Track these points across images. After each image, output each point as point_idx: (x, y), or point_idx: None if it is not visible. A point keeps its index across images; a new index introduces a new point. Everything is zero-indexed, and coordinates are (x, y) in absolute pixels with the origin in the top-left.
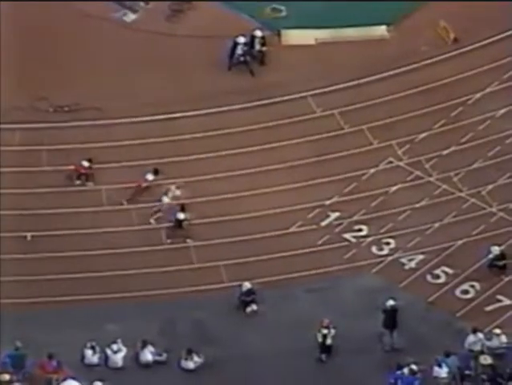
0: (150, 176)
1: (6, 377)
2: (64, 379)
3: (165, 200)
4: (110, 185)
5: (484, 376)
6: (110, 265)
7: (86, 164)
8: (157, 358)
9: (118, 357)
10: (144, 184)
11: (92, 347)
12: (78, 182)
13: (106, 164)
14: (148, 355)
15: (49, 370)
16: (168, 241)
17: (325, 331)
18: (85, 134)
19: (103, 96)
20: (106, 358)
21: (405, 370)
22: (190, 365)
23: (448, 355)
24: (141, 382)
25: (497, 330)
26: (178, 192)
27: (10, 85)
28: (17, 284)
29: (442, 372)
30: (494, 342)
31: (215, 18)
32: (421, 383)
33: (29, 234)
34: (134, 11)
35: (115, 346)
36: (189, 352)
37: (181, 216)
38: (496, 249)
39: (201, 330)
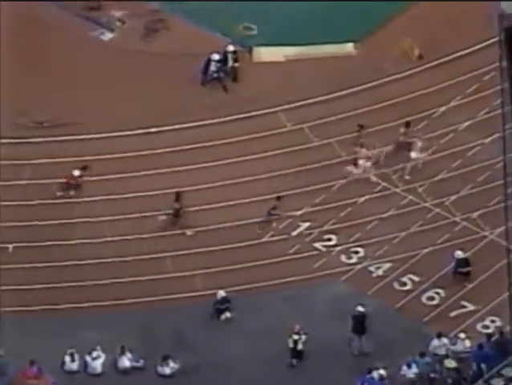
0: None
1: None
2: None
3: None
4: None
5: (449, 379)
6: (89, 274)
7: (77, 172)
8: (135, 364)
9: (97, 363)
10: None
11: (71, 354)
12: (60, 194)
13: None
14: (125, 362)
15: (30, 377)
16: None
17: (296, 337)
18: (64, 148)
19: (82, 111)
20: (85, 365)
21: (374, 374)
22: (166, 371)
23: (423, 356)
24: None
25: (462, 335)
26: None
27: None
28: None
29: (410, 372)
30: (459, 347)
31: (189, 37)
32: None
33: (10, 246)
34: (111, 30)
35: (94, 353)
36: (165, 358)
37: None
38: (459, 254)
39: (177, 337)
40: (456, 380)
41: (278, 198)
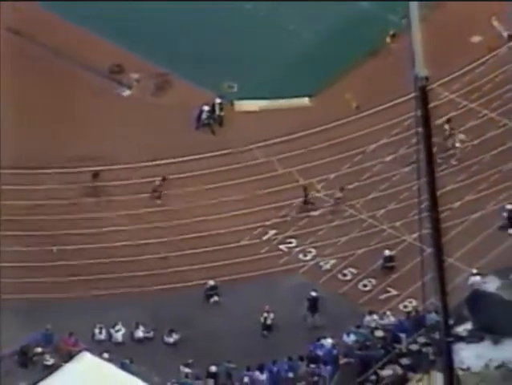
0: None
1: (39, 350)
2: (80, 351)
3: None
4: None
5: (378, 345)
6: (113, 269)
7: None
8: (147, 335)
9: (119, 335)
10: None
11: (100, 328)
12: None
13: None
14: (140, 333)
15: (69, 344)
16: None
17: (266, 315)
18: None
19: (109, 148)
20: (110, 336)
21: (322, 342)
22: (170, 340)
23: (358, 328)
24: (136, 352)
25: (388, 312)
26: None
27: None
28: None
29: (349, 340)
30: (385, 321)
31: (187, 93)
32: (336, 351)
33: (55, 248)
34: (129, 88)
35: (116, 327)
36: (170, 331)
37: None
38: (386, 253)
39: (178, 316)
40: (383, 346)
41: (305, 189)
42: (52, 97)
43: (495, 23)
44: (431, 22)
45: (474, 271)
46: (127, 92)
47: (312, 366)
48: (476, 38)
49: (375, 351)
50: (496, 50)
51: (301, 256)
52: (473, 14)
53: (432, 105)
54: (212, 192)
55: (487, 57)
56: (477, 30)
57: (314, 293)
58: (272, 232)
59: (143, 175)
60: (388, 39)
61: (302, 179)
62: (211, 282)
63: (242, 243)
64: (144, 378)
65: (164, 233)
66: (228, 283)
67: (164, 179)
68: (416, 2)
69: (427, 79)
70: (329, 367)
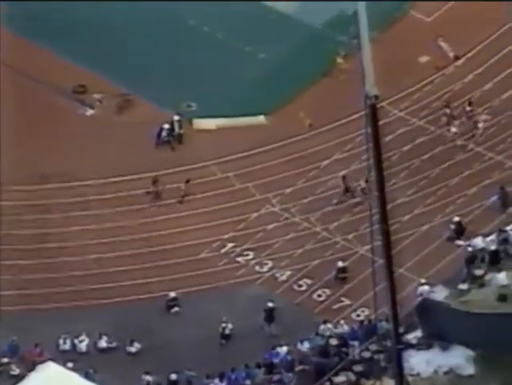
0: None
1: (5, 360)
2: (45, 361)
3: None
4: None
5: (332, 352)
6: (79, 283)
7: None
8: (110, 345)
9: (82, 345)
10: None
11: (64, 339)
12: None
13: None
14: (103, 343)
15: (35, 355)
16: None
17: (224, 325)
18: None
19: (72, 165)
20: (74, 346)
21: (278, 350)
22: (133, 350)
23: (315, 335)
24: (99, 362)
25: (342, 321)
26: None
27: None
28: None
29: (303, 347)
30: (339, 329)
31: (148, 112)
32: (291, 358)
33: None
34: (92, 107)
35: (80, 338)
36: (132, 341)
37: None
38: (340, 264)
39: (140, 326)
40: (337, 353)
41: (344, 177)
42: (16, 116)
43: (442, 44)
44: (380, 42)
45: (423, 281)
46: (90, 112)
47: (271, 373)
48: (424, 58)
49: (329, 359)
50: (443, 70)
51: (258, 268)
52: (421, 35)
53: (381, 122)
54: (172, 207)
55: (435, 76)
56: (424, 50)
57: (270, 304)
58: (230, 245)
59: (105, 191)
60: (340, 59)
61: (258, 194)
62: (172, 294)
63: (202, 256)
64: None
65: (126, 246)
66: (188, 295)
67: (187, 181)
68: (366, 23)
69: (377, 97)
70: (290, 374)
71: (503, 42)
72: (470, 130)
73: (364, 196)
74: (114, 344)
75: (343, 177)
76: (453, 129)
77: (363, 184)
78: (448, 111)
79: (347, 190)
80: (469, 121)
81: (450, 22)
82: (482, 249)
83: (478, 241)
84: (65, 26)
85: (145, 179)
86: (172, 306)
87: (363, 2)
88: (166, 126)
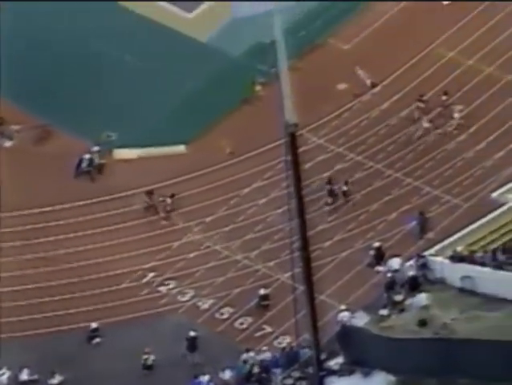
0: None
1: None
2: None
3: None
4: None
5: (254, 380)
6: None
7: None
8: (31, 377)
9: (3, 378)
10: None
11: None
12: None
13: None
14: (24, 376)
15: None
16: None
17: (146, 356)
18: None
19: None
20: None
21: (201, 379)
22: (54, 382)
23: (237, 363)
24: None
25: (264, 348)
26: None
27: None
28: None
29: (225, 376)
30: (261, 357)
31: (67, 142)
32: None
33: None
34: (11, 139)
35: (1, 371)
36: (53, 373)
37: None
38: (261, 292)
39: (62, 358)
40: (259, 380)
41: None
42: None
43: (359, 72)
44: (299, 70)
45: (343, 307)
46: (8, 143)
47: None
48: (342, 86)
49: None
50: (360, 97)
51: (179, 297)
52: (338, 63)
53: (301, 150)
54: (93, 238)
55: (352, 103)
56: (342, 77)
57: (192, 333)
58: (151, 274)
59: (25, 222)
60: (259, 88)
61: (179, 222)
62: (93, 325)
63: (123, 286)
64: None
65: (49, 277)
66: (110, 325)
67: (172, 196)
68: (284, 52)
69: (296, 125)
70: None
71: (419, 69)
72: (443, 124)
73: (345, 198)
74: (35, 376)
75: (329, 179)
76: (425, 124)
77: (344, 187)
78: (421, 105)
79: (331, 193)
80: (444, 111)
81: (367, 49)
82: (398, 271)
83: (395, 263)
84: None
85: (65, 210)
86: (94, 337)
87: (281, 31)
88: (87, 156)
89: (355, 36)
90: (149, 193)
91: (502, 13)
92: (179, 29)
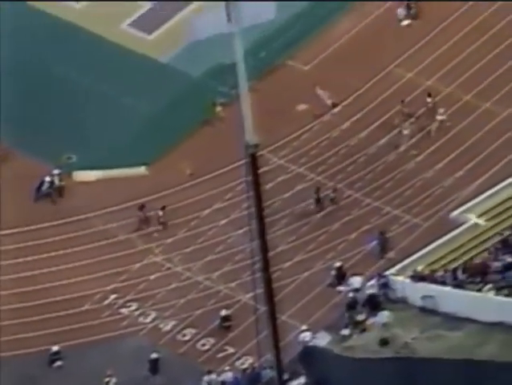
0: None
1: None
2: None
3: None
4: None
5: None
6: None
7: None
8: None
9: None
10: None
11: None
12: None
13: None
14: None
15: None
16: None
17: (108, 379)
18: None
19: None
20: None
21: None
22: None
23: (208, 384)
24: None
25: (226, 368)
26: None
27: None
28: None
29: None
30: (223, 377)
31: (27, 165)
32: None
33: None
34: None
35: None
36: None
37: None
38: (222, 313)
39: (23, 381)
40: None
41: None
42: None
43: (319, 92)
44: (259, 91)
45: (305, 327)
46: None
47: None
48: (302, 107)
49: None
50: (321, 118)
51: (141, 318)
52: (299, 84)
53: (261, 170)
54: (54, 260)
55: (313, 124)
56: (302, 98)
57: (154, 355)
58: (113, 296)
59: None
60: (219, 109)
61: (140, 244)
62: (55, 348)
63: (84, 308)
64: None
65: (9, 300)
66: (71, 348)
67: (163, 208)
68: (244, 73)
69: (256, 146)
70: None
71: (379, 88)
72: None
73: (333, 206)
74: None
75: (317, 189)
76: (405, 132)
77: (332, 194)
78: (404, 109)
79: (318, 201)
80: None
81: (327, 70)
82: (359, 290)
83: (356, 282)
84: None
85: (25, 233)
86: (55, 360)
87: (241, 52)
88: (47, 178)
89: (314, 57)
90: (141, 208)
91: (461, 33)
92: (140, 50)
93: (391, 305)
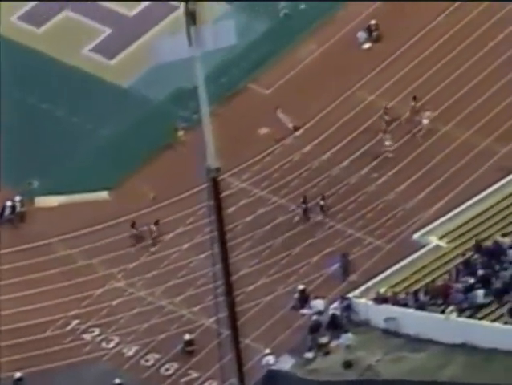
0: None
1: None
2: None
3: None
4: None
5: None
6: None
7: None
8: None
9: None
10: None
11: None
12: None
13: None
14: None
15: None
16: None
17: None
18: None
19: None
20: None
21: None
22: None
23: None
24: None
25: None
26: None
27: None
28: None
29: None
30: None
31: None
32: None
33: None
34: None
35: None
36: None
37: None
38: (186, 337)
39: None
40: None
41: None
42: None
43: (281, 115)
44: (221, 116)
45: (268, 351)
46: None
47: None
48: (263, 130)
49: None
50: (282, 141)
51: (104, 344)
52: (260, 108)
53: (223, 194)
54: (15, 286)
55: (274, 147)
56: (264, 122)
57: (117, 380)
58: (75, 322)
59: None
60: (181, 133)
61: (102, 269)
62: (17, 374)
63: (47, 334)
64: None
65: None
66: (34, 374)
67: (156, 222)
68: (205, 98)
69: (218, 170)
70: None
71: (340, 111)
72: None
73: (323, 213)
74: None
75: (304, 198)
76: (387, 142)
77: (321, 201)
78: (386, 117)
79: (305, 211)
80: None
81: (289, 93)
82: (322, 312)
83: (319, 305)
84: None
85: None
86: None
87: (203, 77)
88: (8, 204)
89: (276, 81)
90: (133, 224)
91: (422, 56)
92: (101, 75)
93: (354, 327)
